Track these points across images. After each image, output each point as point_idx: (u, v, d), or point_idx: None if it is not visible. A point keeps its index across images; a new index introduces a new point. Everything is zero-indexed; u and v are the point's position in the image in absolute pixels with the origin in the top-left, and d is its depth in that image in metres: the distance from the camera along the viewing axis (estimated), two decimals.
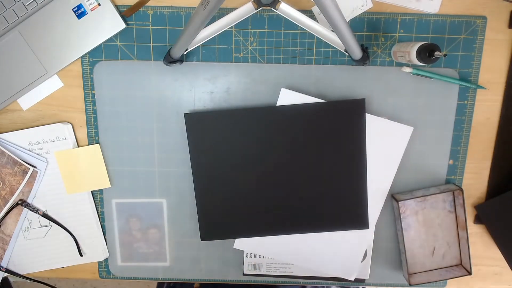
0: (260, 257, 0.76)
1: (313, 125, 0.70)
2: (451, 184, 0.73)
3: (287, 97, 0.70)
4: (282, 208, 0.73)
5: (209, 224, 0.73)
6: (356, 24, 0.69)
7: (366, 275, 0.76)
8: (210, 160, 0.71)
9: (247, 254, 0.76)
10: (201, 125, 0.70)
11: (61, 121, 0.72)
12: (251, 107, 0.71)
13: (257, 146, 0.71)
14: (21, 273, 0.77)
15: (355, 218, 0.73)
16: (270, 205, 0.73)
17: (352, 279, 0.75)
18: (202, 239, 0.74)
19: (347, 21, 0.68)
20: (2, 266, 0.75)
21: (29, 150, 0.72)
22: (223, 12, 0.67)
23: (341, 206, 0.72)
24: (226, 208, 0.73)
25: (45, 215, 0.74)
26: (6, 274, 0.76)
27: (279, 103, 0.70)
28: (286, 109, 0.70)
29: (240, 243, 0.75)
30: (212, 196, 0.72)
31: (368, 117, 0.70)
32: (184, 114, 0.70)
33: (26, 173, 0.71)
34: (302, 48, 0.70)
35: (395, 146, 0.71)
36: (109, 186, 0.74)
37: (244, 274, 0.77)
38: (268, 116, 0.70)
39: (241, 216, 0.73)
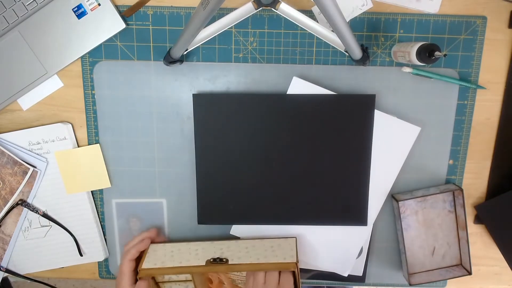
0: None
1: (322, 116, 0.70)
2: (451, 184, 0.73)
3: (298, 86, 0.70)
4: (282, 198, 0.72)
5: (207, 208, 0.73)
6: (356, 24, 0.69)
7: (360, 272, 0.76)
8: (214, 143, 0.71)
9: None
10: (208, 107, 0.70)
11: (61, 121, 0.72)
12: (261, 93, 0.71)
13: (262, 133, 0.70)
14: (21, 273, 0.77)
15: (354, 214, 0.73)
16: (270, 193, 0.72)
17: (346, 274, 0.75)
18: (199, 222, 0.74)
19: (347, 21, 0.68)
20: (2, 266, 0.75)
21: (29, 150, 0.72)
22: (223, 12, 0.67)
23: (341, 201, 0.72)
24: (226, 193, 0.72)
25: (45, 215, 0.74)
26: (6, 274, 0.76)
27: (289, 92, 0.70)
28: (296, 98, 0.69)
29: (237, 230, 0.75)
30: (213, 180, 0.72)
31: (377, 114, 0.70)
32: (193, 94, 0.70)
33: (26, 173, 0.71)
34: (302, 48, 0.70)
35: (401, 146, 0.71)
36: (109, 186, 0.74)
37: None
38: (277, 104, 0.70)
39: (240, 202, 0.73)
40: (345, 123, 0.70)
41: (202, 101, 0.70)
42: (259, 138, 0.71)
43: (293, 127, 0.70)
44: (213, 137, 0.71)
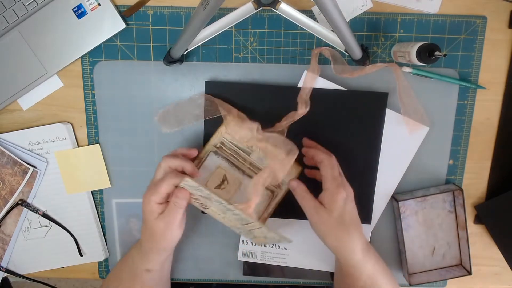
0: (255, 244, 0.76)
1: (332, 111, 0.70)
2: (451, 184, 0.73)
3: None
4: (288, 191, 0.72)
5: None
6: (356, 24, 0.69)
7: None
8: None
9: (242, 241, 0.75)
10: (220, 95, 0.69)
11: (61, 121, 0.72)
12: (273, 84, 0.70)
13: (272, 123, 0.70)
14: (21, 273, 0.77)
15: (359, 211, 0.72)
16: None
17: None
18: (202, 212, 0.73)
19: (347, 21, 0.68)
20: (2, 266, 0.75)
21: (29, 150, 0.72)
22: (223, 12, 0.67)
23: None
24: None
25: (45, 215, 0.74)
26: (6, 274, 0.76)
27: (300, 85, 0.70)
28: None
29: None
30: None
31: (388, 112, 0.70)
32: (205, 81, 0.70)
33: (26, 173, 0.71)
34: (302, 48, 0.70)
35: (408, 146, 0.71)
36: (109, 186, 0.74)
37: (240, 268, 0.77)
38: (288, 95, 0.69)
39: None
40: (356, 119, 0.70)
41: (213, 89, 0.69)
42: (268, 128, 0.70)
43: (302, 120, 0.69)
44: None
